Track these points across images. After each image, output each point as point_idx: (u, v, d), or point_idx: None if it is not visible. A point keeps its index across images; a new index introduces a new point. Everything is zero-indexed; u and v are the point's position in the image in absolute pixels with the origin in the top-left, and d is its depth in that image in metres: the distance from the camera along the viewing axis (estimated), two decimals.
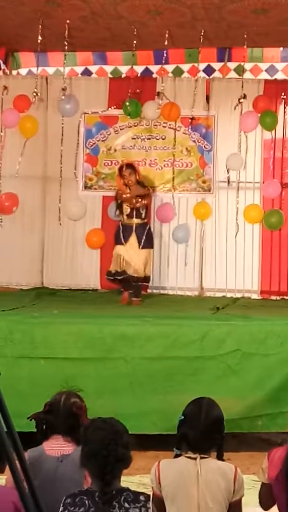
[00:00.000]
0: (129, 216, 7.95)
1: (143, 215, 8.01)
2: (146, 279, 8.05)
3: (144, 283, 8.12)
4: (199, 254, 8.99)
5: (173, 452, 3.03)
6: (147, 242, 7.97)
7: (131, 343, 5.87)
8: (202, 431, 2.93)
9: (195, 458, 2.92)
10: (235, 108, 8.69)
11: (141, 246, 7.90)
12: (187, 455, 2.95)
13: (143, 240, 7.91)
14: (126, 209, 7.97)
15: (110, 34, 8.54)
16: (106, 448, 2.57)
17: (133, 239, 7.89)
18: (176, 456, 2.99)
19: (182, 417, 3.00)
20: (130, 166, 8.07)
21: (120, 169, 8.10)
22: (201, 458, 2.92)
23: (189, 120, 8.83)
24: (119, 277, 7.90)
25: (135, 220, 7.94)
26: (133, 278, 7.85)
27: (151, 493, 2.82)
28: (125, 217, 7.97)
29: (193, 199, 9.03)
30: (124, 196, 7.93)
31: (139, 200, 7.93)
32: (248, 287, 8.88)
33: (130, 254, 7.86)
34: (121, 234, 7.93)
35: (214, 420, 3.00)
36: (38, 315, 6.33)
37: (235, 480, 2.91)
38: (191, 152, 9.03)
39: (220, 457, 3.00)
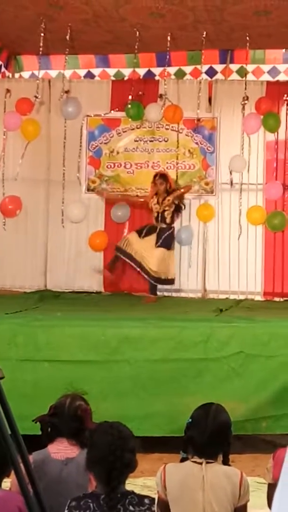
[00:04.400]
0: (156, 219, 8.37)
1: (167, 220, 8.33)
2: (164, 281, 8.36)
3: (164, 285, 8.47)
4: (202, 256, 8.99)
5: (178, 454, 3.02)
6: (164, 242, 8.29)
7: (135, 346, 5.87)
8: (209, 435, 2.93)
9: (201, 463, 2.91)
10: (243, 108, 8.66)
11: (157, 245, 8.26)
12: (193, 459, 2.95)
13: (160, 241, 8.27)
14: (155, 214, 8.39)
15: (112, 36, 8.56)
16: (112, 454, 2.56)
17: (151, 238, 8.29)
18: (183, 459, 2.98)
19: (190, 421, 3.00)
20: (163, 176, 8.43)
21: (154, 177, 8.46)
22: (207, 463, 2.91)
23: (195, 122, 8.84)
24: (123, 256, 8.30)
25: (160, 224, 8.33)
26: (139, 264, 8.18)
27: (156, 496, 2.82)
28: (153, 220, 8.41)
29: (196, 201, 9.03)
30: (149, 204, 8.41)
31: (167, 198, 8.31)
32: (252, 288, 8.87)
33: (138, 246, 8.27)
34: (145, 230, 8.36)
35: (221, 426, 2.99)
36: (42, 318, 6.33)
37: (241, 485, 2.90)
38: (193, 154, 9.03)
39: (226, 462, 2.99)
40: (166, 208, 8.30)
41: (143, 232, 8.35)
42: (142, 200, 8.63)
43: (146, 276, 8.26)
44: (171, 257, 8.44)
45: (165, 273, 8.32)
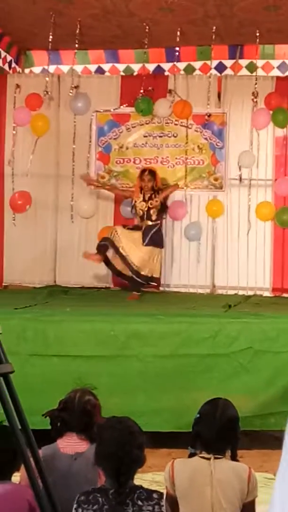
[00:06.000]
0: (141, 218, 8.21)
1: (153, 217, 8.16)
2: (144, 277, 7.98)
3: (143, 282, 8.04)
4: (211, 252, 8.98)
5: (186, 450, 3.03)
6: (151, 240, 8.06)
7: (144, 341, 5.88)
8: (217, 431, 2.93)
9: (209, 459, 2.92)
10: (253, 103, 8.62)
11: (144, 243, 8.01)
12: (201, 455, 2.96)
13: (147, 239, 8.04)
14: (139, 212, 8.21)
15: (121, 31, 8.55)
16: (121, 449, 2.57)
17: (138, 234, 8.03)
18: (191, 455, 2.99)
19: (198, 416, 3.01)
20: (152, 172, 8.23)
21: (142, 172, 8.26)
22: (215, 458, 2.92)
23: (206, 117, 8.81)
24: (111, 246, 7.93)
25: (146, 222, 8.16)
26: (123, 257, 7.85)
27: (164, 491, 2.83)
28: (138, 218, 8.26)
29: (205, 196, 9.02)
30: (134, 201, 8.22)
31: (155, 199, 8.15)
32: (260, 284, 8.86)
33: (126, 240, 7.92)
34: (132, 226, 8.21)
35: (229, 421, 3.00)
36: (51, 313, 6.35)
37: (249, 480, 2.91)
38: (203, 150, 9.02)
39: (234, 458, 3.00)
40: (152, 206, 8.16)
41: (131, 227, 8.18)
42: (128, 194, 8.51)
43: (128, 268, 7.94)
44: (159, 256, 8.19)
45: (150, 270, 8.03)
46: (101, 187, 8.82)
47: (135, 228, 8.18)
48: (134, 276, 7.94)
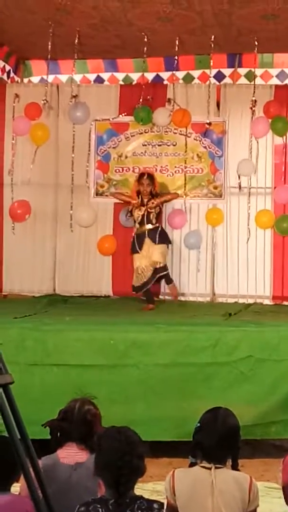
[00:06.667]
0: (141, 223, 8.16)
1: (153, 221, 8.18)
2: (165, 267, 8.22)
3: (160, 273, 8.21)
4: (211, 260, 8.97)
5: (187, 459, 3.01)
6: (162, 238, 8.19)
7: (144, 350, 5.87)
8: (218, 440, 2.91)
9: (210, 468, 2.90)
10: (252, 112, 8.64)
11: (156, 242, 8.11)
12: (202, 464, 2.94)
13: (157, 238, 8.12)
14: (138, 217, 8.17)
15: (120, 41, 8.57)
16: (121, 459, 2.55)
17: (148, 241, 8.11)
18: (191, 464, 2.98)
19: (198, 425, 2.99)
20: (150, 177, 8.25)
21: (141, 176, 8.25)
22: (216, 468, 2.90)
23: (206, 126, 8.81)
24: (147, 287, 8.11)
25: (147, 226, 8.15)
26: (159, 270, 8.08)
27: (165, 501, 2.81)
28: (137, 225, 8.21)
29: (204, 205, 9.02)
30: (132, 206, 8.22)
31: (152, 200, 8.14)
32: (260, 292, 8.85)
33: (146, 260, 8.06)
34: (136, 243, 8.16)
35: (230, 430, 2.98)
36: (51, 322, 6.33)
37: (250, 490, 2.89)
38: (202, 158, 9.03)
39: (235, 467, 2.98)
40: (151, 210, 8.17)
41: (136, 247, 8.13)
42: (127, 200, 8.48)
43: (156, 276, 8.10)
44: (167, 251, 8.40)
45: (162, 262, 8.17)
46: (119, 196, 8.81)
47: (139, 240, 8.13)
48: (162, 272, 8.12)
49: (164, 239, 8.23)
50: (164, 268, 8.18)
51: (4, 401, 1.97)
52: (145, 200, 8.17)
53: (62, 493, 2.84)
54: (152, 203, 8.13)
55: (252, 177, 8.89)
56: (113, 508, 2.56)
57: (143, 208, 8.15)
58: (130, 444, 2.61)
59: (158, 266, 8.09)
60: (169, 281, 8.36)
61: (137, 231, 8.24)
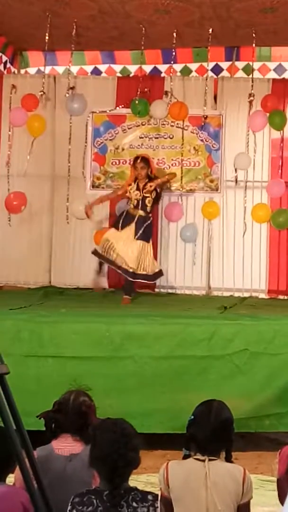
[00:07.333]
0: (135, 206, 7.82)
1: (148, 208, 7.82)
2: (144, 276, 7.79)
3: (142, 280, 7.86)
4: (206, 254, 8.98)
5: (181, 451, 3.03)
6: (143, 234, 7.78)
7: (139, 342, 5.88)
8: (211, 432, 2.93)
9: (203, 460, 2.91)
10: (249, 105, 8.60)
11: (136, 237, 7.73)
12: (195, 456, 2.95)
13: (140, 232, 7.76)
14: (134, 201, 7.84)
15: (118, 33, 8.55)
16: (115, 452, 2.56)
17: (129, 229, 7.75)
18: (185, 456, 2.99)
19: (192, 417, 3.00)
20: (144, 159, 7.88)
21: (135, 160, 7.96)
22: (210, 460, 2.91)
23: (202, 119, 8.79)
24: (104, 262, 7.85)
25: (139, 212, 7.79)
26: (118, 267, 7.67)
27: (159, 493, 2.82)
28: (131, 206, 7.87)
29: (200, 198, 9.02)
30: (128, 191, 7.89)
31: (149, 183, 7.78)
32: (256, 286, 8.86)
33: (120, 245, 7.70)
34: (121, 220, 7.84)
35: (224, 422, 2.99)
36: (46, 314, 6.33)
37: (244, 482, 2.90)
38: (198, 151, 9.03)
39: (228, 459, 2.99)
40: (147, 195, 7.80)
41: (119, 223, 7.81)
42: (120, 193, 8.14)
43: (124, 275, 7.74)
44: (150, 251, 7.88)
45: (144, 268, 7.76)
46: (99, 202, 8.47)
47: (127, 219, 7.80)
48: (128, 277, 7.71)
49: (145, 236, 7.79)
50: (136, 274, 7.72)
51: (0, 392, 1.97)
52: (141, 184, 7.81)
53: (56, 484, 2.84)
54: (150, 186, 7.74)
55: (249, 170, 8.90)
56: (108, 499, 2.57)
57: (139, 193, 7.78)
58: (125, 436, 2.62)
59: (128, 268, 7.67)
60: (126, 290, 7.86)
61: (129, 210, 7.88)
